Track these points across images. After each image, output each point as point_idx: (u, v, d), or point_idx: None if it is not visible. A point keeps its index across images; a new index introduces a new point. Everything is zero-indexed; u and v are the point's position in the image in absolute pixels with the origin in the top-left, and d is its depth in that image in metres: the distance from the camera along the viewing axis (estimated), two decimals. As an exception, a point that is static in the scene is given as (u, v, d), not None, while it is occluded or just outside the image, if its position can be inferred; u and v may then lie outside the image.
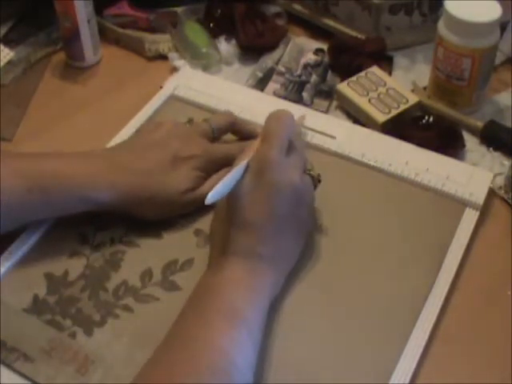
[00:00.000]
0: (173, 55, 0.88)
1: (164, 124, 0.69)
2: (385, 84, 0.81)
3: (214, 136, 0.71)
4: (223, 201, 0.60)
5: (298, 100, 0.83)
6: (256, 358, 0.54)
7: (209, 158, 0.68)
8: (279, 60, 0.88)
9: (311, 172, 0.64)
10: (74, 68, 0.89)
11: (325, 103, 0.83)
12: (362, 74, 0.82)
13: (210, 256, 0.62)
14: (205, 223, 0.67)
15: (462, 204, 0.69)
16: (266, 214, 0.58)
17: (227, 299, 0.55)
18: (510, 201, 0.71)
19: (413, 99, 0.79)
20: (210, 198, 0.56)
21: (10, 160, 0.64)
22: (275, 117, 0.63)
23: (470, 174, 0.71)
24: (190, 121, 0.72)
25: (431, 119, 0.77)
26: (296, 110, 0.79)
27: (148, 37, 0.90)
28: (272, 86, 0.85)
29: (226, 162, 0.68)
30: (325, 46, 0.89)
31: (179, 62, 0.87)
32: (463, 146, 0.76)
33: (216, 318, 0.54)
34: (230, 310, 0.54)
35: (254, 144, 0.62)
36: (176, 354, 0.52)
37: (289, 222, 0.60)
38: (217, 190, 0.56)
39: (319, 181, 0.64)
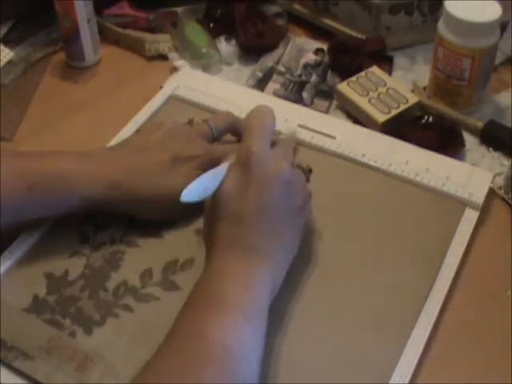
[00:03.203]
0: (173, 55, 0.88)
1: (164, 124, 0.68)
2: (385, 84, 0.81)
3: (214, 137, 0.71)
4: (212, 201, 0.60)
5: (298, 100, 0.83)
6: (261, 349, 0.53)
7: (209, 158, 0.67)
8: (279, 60, 0.88)
9: (300, 164, 0.63)
10: (74, 68, 0.89)
11: (325, 103, 0.83)
12: (362, 73, 0.82)
13: (206, 251, 0.61)
14: (205, 223, 0.67)
15: (462, 204, 0.69)
16: (256, 205, 0.58)
17: (221, 291, 0.55)
18: (510, 201, 0.71)
19: (413, 99, 0.79)
20: (185, 195, 0.56)
21: (10, 158, 0.64)
22: (255, 112, 0.63)
23: (469, 174, 0.71)
24: (190, 121, 0.72)
25: (431, 119, 0.77)
26: (296, 110, 0.79)
27: (148, 37, 0.90)
28: (272, 86, 0.85)
29: None
30: (325, 46, 0.89)
31: (179, 62, 0.87)
32: (463, 145, 0.76)
33: (209, 309, 0.54)
34: (223, 300, 0.54)
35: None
36: (172, 349, 0.52)
37: (281, 213, 0.59)
38: (191, 187, 0.57)
39: (310, 170, 0.64)
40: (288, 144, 0.65)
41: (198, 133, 0.69)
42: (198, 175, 0.66)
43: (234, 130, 0.72)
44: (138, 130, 0.76)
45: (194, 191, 0.57)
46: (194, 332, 0.52)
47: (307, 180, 0.63)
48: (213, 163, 0.67)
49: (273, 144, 0.62)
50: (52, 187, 0.62)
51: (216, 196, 0.59)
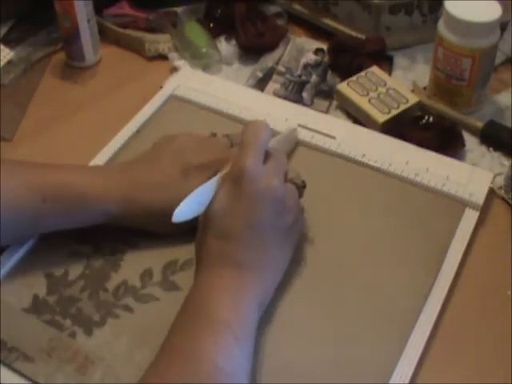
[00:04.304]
0: (173, 55, 0.88)
1: (178, 136, 0.68)
2: (385, 84, 0.81)
3: None
4: (203, 215, 0.60)
5: (298, 100, 0.83)
6: (249, 364, 0.54)
7: (223, 165, 0.66)
8: (279, 60, 0.88)
9: (294, 180, 0.63)
10: (74, 68, 0.89)
11: (325, 103, 0.83)
12: (362, 73, 0.82)
13: (196, 266, 0.61)
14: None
15: (462, 204, 0.69)
16: (246, 221, 0.58)
17: (210, 308, 0.55)
18: (510, 201, 0.71)
19: (413, 99, 0.79)
20: (176, 215, 0.57)
21: (26, 169, 0.64)
22: (250, 127, 0.63)
23: (469, 174, 0.71)
24: (213, 134, 0.71)
25: (431, 119, 0.77)
26: (296, 110, 0.79)
27: (148, 37, 0.90)
28: (272, 86, 0.85)
29: None
30: (325, 46, 0.89)
31: (179, 62, 0.87)
32: (463, 145, 0.76)
33: (200, 327, 0.54)
34: (214, 317, 0.54)
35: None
36: (164, 367, 0.52)
37: (272, 230, 0.59)
38: (183, 205, 0.57)
39: (304, 187, 0.63)
40: (282, 157, 0.64)
41: (214, 143, 0.69)
42: None
43: None
44: (138, 131, 0.76)
45: (186, 209, 0.58)
46: (185, 349, 0.52)
47: (300, 195, 0.63)
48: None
49: (267, 156, 0.61)
50: (66, 200, 0.62)
51: (207, 211, 0.59)
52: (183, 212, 0.58)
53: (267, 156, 0.62)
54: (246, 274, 0.58)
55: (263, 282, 0.59)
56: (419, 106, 0.79)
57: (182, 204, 0.58)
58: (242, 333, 0.54)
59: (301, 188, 0.63)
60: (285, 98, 0.83)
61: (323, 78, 0.86)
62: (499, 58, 0.83)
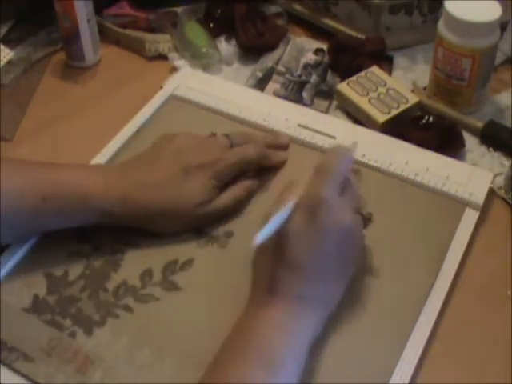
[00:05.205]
0: (173, 55, 0.88)
1: (178, 136, 0.68)
2: (385, 84, 0.81)
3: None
4: (271, 240, 0.57)
5: (298, 100, 0.83)
6: None
7: (223, 165, 0.66)
8: (279, 60, 0.88)
9: (362, 212, 0.61)
10: (74, 68, 0.89)
11: (325, 103, 0.83)
12: (362, 73, 0.82)
13: (253, 292, 0.59)
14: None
15: (462, 204, 0.69)
16: (315, 255, 0.56)
17: (268, 344, 0.53)
18: (510, 201, 0.71)
19: (413, 99, 0.79)
20: (257, 241, 0.54)
21: (26, 168, 0.64)
22: (332, 152, 0.61)
23: (469, 174, 0.71)
24: (213, 135, 0.71)
25: (431, 119, 0.77)
26: (296, 110, 0.79)
27: (148, 37, 0.90)
28: (272, 85, 0.85)
29: (242, 167, 0.68)
30: (325, 46, 0.89)
31: (179, 62, 0.87)
32: (463, 146, 0.76)
33: (255, 364, 0.52)
34: (267, 354, 0.53)
35: (303, 181, 0.59)
36: None
37: (335, 264, 0.58)
38: (264, 231, 0.54)
39: (369, 220, 0.63)
40: (356, 187, 0.61)
41: (213, 143, 0.68)
42: (212, 184, 0.65)
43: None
44: (138, 131, 0.76)
45: (266, 234, 0.55)
46: (230, 380, 0.51)
47: (364, 227, 0.62)
48: (228, 169, 0.67)
49: (343, 184, 0.59)
50: (66, 199, 0.62)
51: (278, 237, 0.57)
52: (264, 235, 0.55)
53: (344, 185, 0.59)
54: (306, 309, 0.56)
55: (319, 316, 0.57)
56: (419, 105, 0.79)
57: (266, 228, 0.55)
58: (294, 376, 0.53)
59: (366, 220, 0.62)
60: (285, 98, 0.83)
61: (323, 78, 0.86)
62: (499, 57, 0.83)
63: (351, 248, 0.59)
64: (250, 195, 0.69)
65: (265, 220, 0.56)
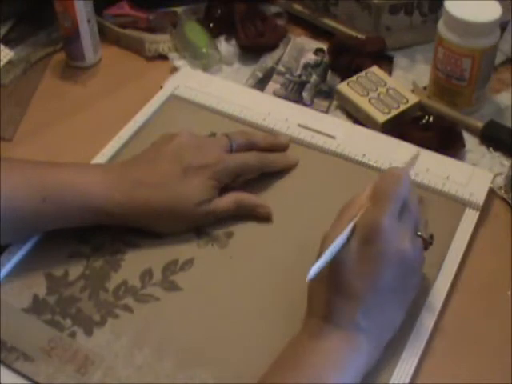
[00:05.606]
0: (173, 55, 0.88)
1: (178, 135, 0.68)
2: (385, 84, 0.81)
3: (233, 150, 0.69)
4: (328, 266, 0.54)
5: (298, 100, 0.83)
6: None
7: (223, 166, 0.66)
8: (279, 60, 0.88)
9: (422, 234, 0.58)
10: (74, 68, 0.89)
11: (325, 103, 0.83)
12: (362, 73, 0.82)
13: (307, 317, 0.57)
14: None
15: (462, 204, 0.69)
16: (372, 284, 0.54)
17: (319, 373, 0.52)
18: (510, 201, 0.71)
19: (413, 99, 0.79)
20: (312, 273, 0.51)
21: (25, 168, 0.64)
22: (390, 175, 0.58)
23: (470, 174, 0.71)
24: (212, 135, 0.71)
25: (431, 119, 0.77)
26: (296, 110, 0.79)
27: (148, 37, 0.90)
28: (272, 85, 0.85)
29: (241, 172, 0.68)
30: (325, 46, 0.89)
31: (179, 62, 0.87)
32: (463, 145, 0.76)
33: None
34: (311, 378, 0.52)
35: (359, 202, 0.57)
36: None
37: (394, 293, 0.56)
38: (320, 263, 0.52)
39: (431, 243, 0.60)
40: (416, 211, 0.58)
41: (213, 143, 0.68)
42: (212, 184, 0.65)
43: (253, 146, 0.71)
44: (138, 131, 0.76)
45: (321, 267, 0.52)
46: None
47: (425, 249, 0.59)
48: (227, 171, 0.67)
49: (402, 208, 0.56)
50: (66, 199, 0.62)
51: (334, 264, 0.54)
52: (320, 268, 0.52)
53: (403, 210, 0.56)
54: (361, 338, 0.54)
55: (375, 345, 0.55)
56: (419, 105, 0.79)
57: (321, 261, 0.52)
58: None
59: (428, 244, 0.59)
60: (285, 98, 0.83)
61: (323, 78, 0.86)
62: (499, 57, 0.83)
63: (411, 275, 0.57)
64: (250, 206, 0.68)
65: (322, 245, 0.55)
